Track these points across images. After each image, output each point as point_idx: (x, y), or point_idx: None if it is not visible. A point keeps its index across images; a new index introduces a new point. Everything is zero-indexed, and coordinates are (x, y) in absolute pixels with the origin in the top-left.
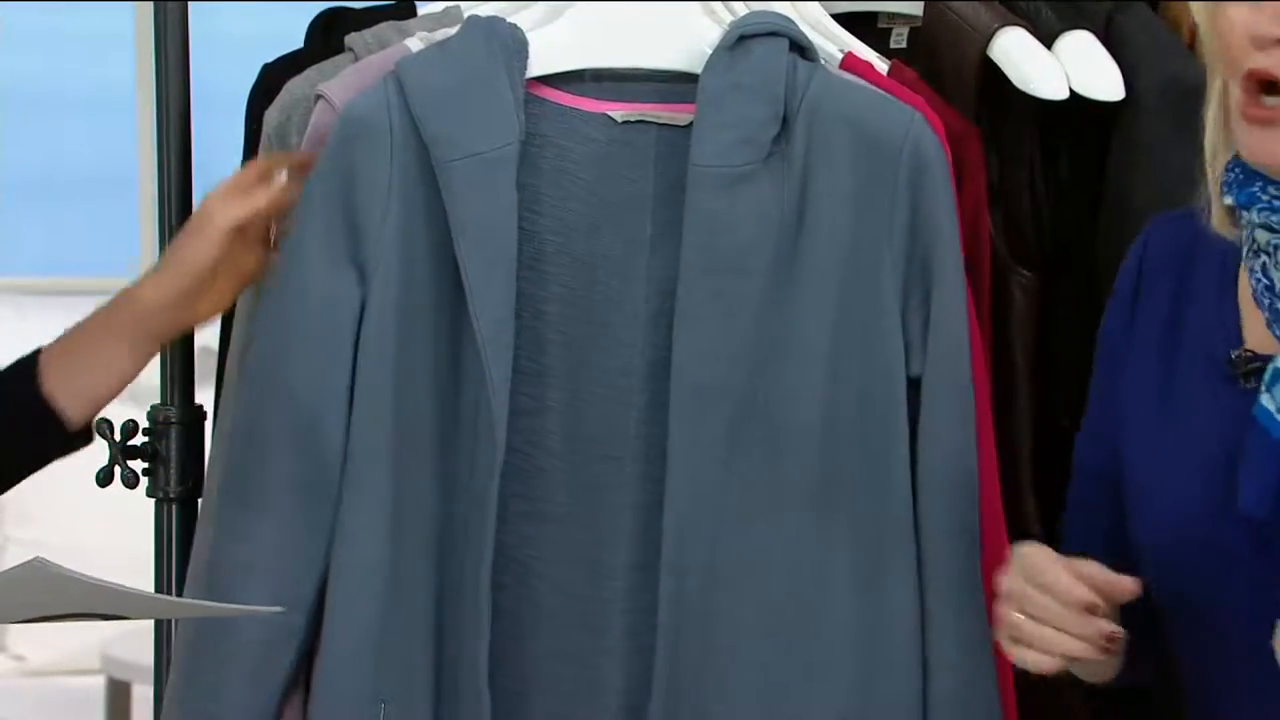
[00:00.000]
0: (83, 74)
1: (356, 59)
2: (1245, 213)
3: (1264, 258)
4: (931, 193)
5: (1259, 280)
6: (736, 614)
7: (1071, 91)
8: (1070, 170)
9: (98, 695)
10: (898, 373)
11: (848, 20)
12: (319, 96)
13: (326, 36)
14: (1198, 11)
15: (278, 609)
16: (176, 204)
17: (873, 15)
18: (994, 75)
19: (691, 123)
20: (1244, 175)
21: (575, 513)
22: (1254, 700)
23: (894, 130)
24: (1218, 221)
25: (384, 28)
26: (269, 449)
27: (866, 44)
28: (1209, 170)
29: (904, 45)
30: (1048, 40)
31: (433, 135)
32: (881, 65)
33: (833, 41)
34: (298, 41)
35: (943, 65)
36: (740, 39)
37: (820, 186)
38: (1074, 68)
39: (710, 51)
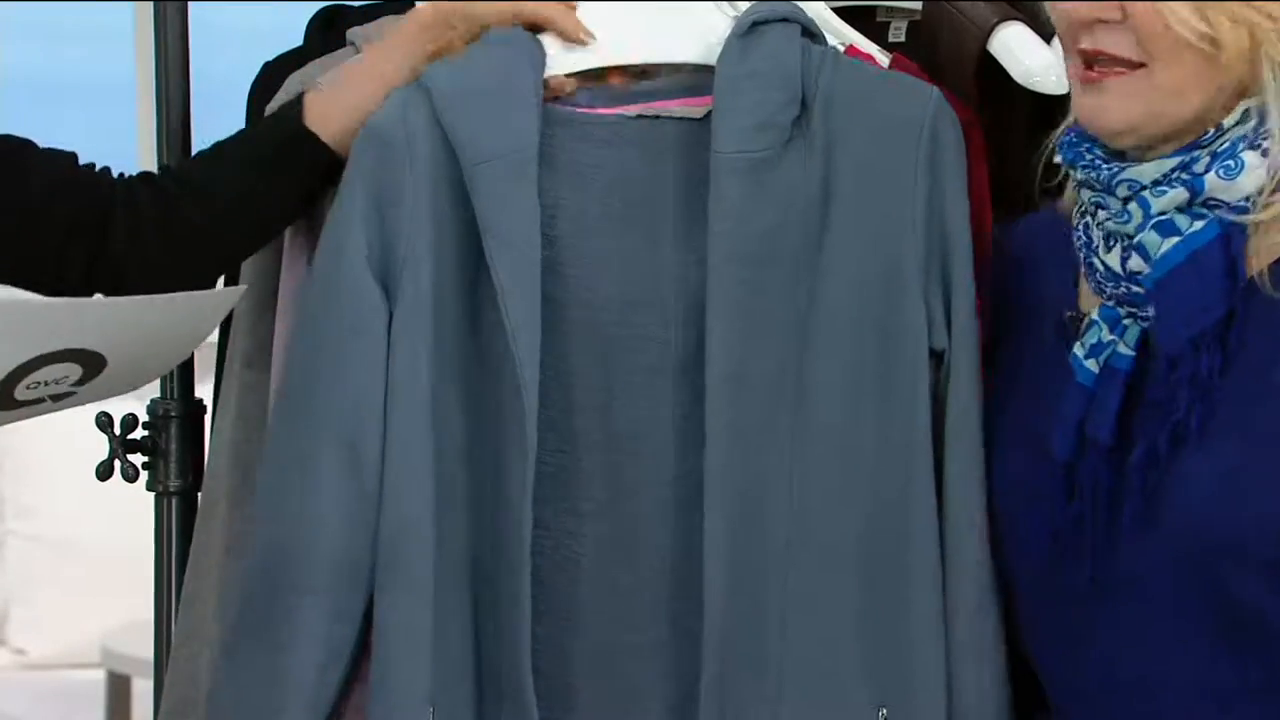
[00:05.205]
0: (83, 67)
1: (358, 53)
2: (1073, 172)
3: (1086, 217)
4: (950, 169)
5: (1080, 238)
6: (779, 599)
7: None
8: None
9: (98, 689)
10: (920, 346)
11: (845, 14)
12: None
13: (325, 33)
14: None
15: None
16: None
17: (871, 9)
18: (993, 69)
19: (708, 114)
20: (1076, 138)
21: (614, 509)
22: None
23: (914, 107)
24: (1067, 198)
25: (385, 22)
26: (311, 467)
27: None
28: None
29: (902, 39)
30: (1046, 35)
31: (460, 139)
32: (883, 58)
33: (834, 35)
34: (298, 35)
35: (942, 59)
36: (752, 26)
37: (843, 166)
38: None
39: (722, 43)
